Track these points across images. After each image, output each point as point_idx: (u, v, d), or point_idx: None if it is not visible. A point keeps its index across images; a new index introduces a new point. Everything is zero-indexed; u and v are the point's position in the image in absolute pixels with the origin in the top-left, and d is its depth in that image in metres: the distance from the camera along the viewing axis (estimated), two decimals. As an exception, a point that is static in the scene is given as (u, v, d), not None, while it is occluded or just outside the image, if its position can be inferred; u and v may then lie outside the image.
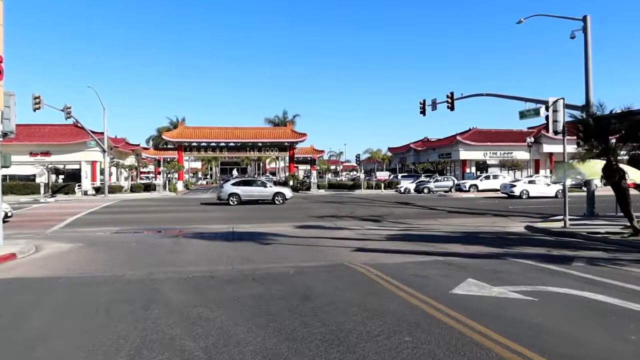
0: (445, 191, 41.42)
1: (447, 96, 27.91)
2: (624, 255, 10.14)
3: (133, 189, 43.75)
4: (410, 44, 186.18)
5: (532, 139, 49.99)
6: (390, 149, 75.65)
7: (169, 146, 60.58)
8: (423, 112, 29.58)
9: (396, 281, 7.56)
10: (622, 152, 13.36)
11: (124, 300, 6.65)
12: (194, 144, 54.45)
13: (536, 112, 22.64)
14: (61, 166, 45.25)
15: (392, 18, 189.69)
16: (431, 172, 54.39)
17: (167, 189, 45.79)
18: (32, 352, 4.69)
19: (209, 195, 42.78)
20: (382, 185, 45.73)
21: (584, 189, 20.95)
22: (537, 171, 52.92)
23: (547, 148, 53.67)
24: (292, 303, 6.32)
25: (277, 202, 28.88)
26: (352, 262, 9.58)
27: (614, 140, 12.93)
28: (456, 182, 44.08)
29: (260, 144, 55.15)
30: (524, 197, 32.16)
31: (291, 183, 50.76)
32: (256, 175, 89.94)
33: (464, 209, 23.91)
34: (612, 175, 12.62)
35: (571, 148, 16.07)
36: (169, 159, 54.92)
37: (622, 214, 13.76)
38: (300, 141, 56.05)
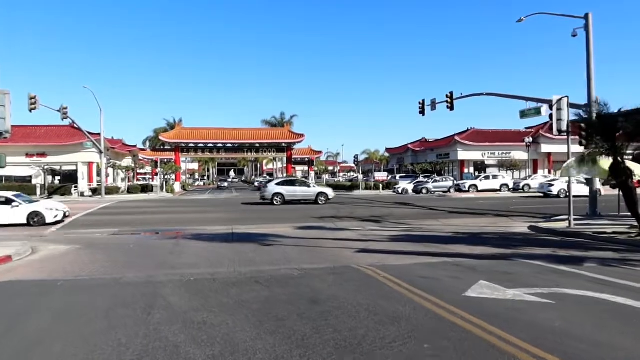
0: (444, 191, 41.20)
1: (447, 96, 27.73)
2: (634, 256, 9.95)
3: (130, 191, 43.38)
4: (409, 44, 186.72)
5: (531, 139, 49.96)
6: (388, 150, 75.33)
7: (166, 147, 60.26)
8: (422, 112, 29.39)
9: (406, 284, 7.32)
10: (627, 152, 13.19)
11: (124, 304, 6.39)
12: (191, 145, 54.16)
13: (537, 112, 22.54)
14: (58, 167, 44.84)
15: (391, 18, 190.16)
16: (429, 172, 54.19)
17: (164, 190, 45.42)
18: (28, 361, 4.42)
19: (207, 197, 42.69)
20: (381, 186, 45.54)
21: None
22: (535, 171, 52.81)
23: (545, 148, 53.59)
24: (300, 307, 6.07)
25: (319, 202, 28.23)
26: (358, 263, 9.35)
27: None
28: (456, 182, 43.90)
29: (257, 145, 54.91)
30: (561, 196, 30.35)
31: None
32: (253, 176, 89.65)
33: (464, 209, 23.71)
34: (620, 175, 12.46)
35: (573, 147, 15.91)
36: (166, 160, 54.65)
37: (625, 213, 13.56)
38: (298, 142, 55.86)
